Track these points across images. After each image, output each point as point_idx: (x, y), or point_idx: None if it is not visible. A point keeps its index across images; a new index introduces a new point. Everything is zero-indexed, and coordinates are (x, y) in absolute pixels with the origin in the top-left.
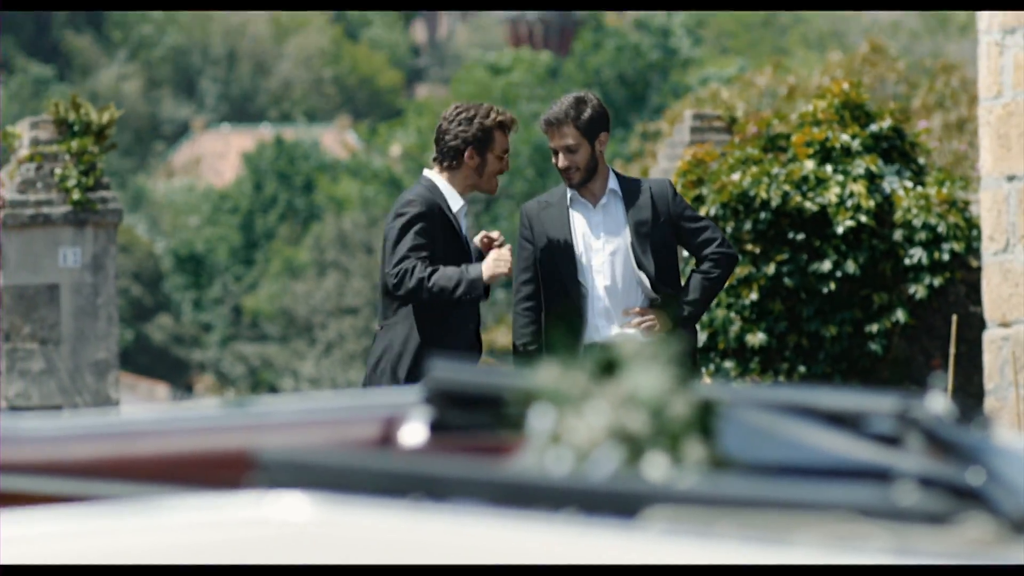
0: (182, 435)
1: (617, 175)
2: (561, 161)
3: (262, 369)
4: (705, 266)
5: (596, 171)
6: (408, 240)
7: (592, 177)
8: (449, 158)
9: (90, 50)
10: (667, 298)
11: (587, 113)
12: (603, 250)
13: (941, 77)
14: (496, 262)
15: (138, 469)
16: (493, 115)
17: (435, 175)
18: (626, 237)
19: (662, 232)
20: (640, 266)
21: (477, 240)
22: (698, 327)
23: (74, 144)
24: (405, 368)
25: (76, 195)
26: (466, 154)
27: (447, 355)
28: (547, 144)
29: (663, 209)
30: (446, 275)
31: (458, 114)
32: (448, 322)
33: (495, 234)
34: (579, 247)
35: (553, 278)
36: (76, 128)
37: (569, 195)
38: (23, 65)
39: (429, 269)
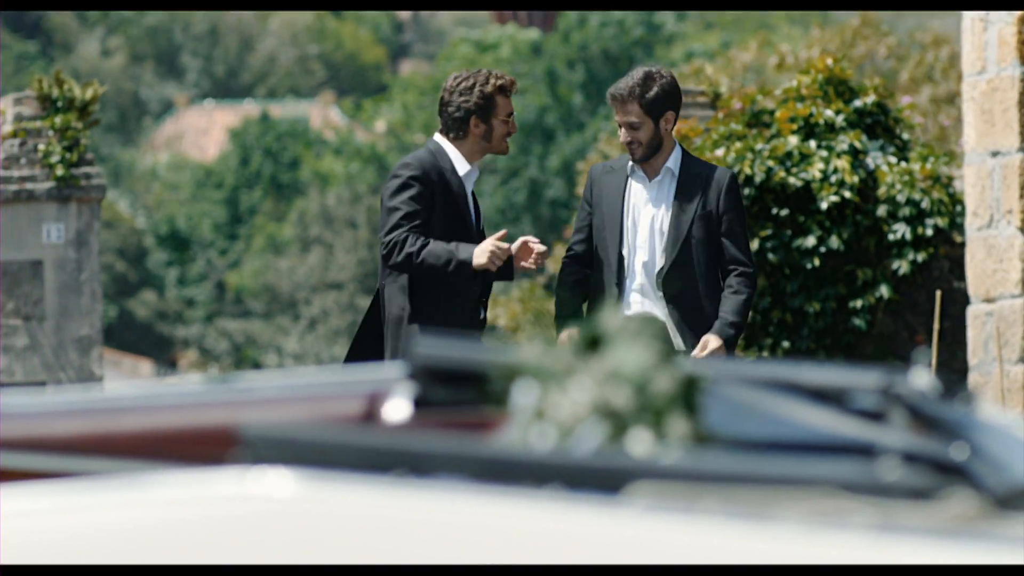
0: (166, 411)
1: (685, 154)
2: (623, 135)
3: (246, 345)
4: (735, 284)
5: (660, 148)
6: (401, 206)
7: (655, 154)
8: (455, 129)
9: (71, 26)
10: (673, 284)
11: (653, 91)
12: (648, 227)
13: (931, 51)
14: (488, 253)
15: (122, 445)
16: (492, 80)
17: (443, 140)
18: (665, 219)
19: (702, 224)
20: (666, 251)
21: (516, 245)
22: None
23: (58, 120)
24: (406, 325)
25: (60, 171)
26: (471, 123)
27: (443, 319)
28: (530, 119)
29: (712, 202)
30: (435, 252)
31: (458, 84)
32: (442, 287)
33: (538, 246)
34: (628, 220)
35: (600, 244)
36: (60, 104)
37: (630, 165)
38: (6, 41)
39: (420, 242)
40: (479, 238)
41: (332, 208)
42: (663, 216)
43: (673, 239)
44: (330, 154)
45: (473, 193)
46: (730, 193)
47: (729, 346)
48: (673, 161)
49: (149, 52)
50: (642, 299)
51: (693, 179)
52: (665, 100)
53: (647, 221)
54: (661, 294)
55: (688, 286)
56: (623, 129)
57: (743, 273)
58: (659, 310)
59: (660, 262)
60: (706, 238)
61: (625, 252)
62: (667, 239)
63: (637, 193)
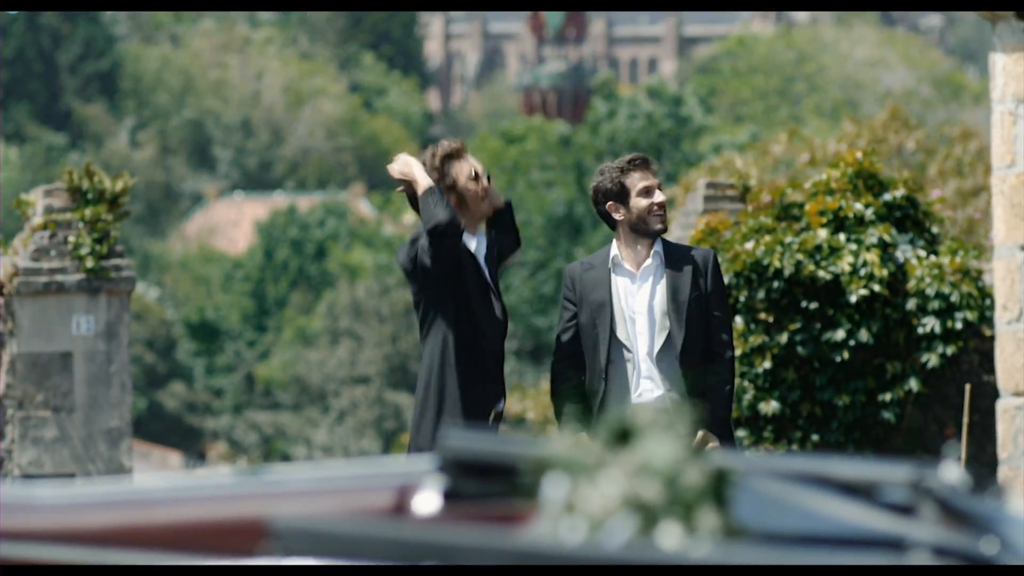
0: (196, 503)
1: (663, 240)
2: (661, 197)
3: (275, 437)
4: (721, 373)
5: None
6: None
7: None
8: None
9: (102, 118)
10: (693, 374)
11: None
12: (644, 314)
13: (959, 144)
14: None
15: (152, 537)
16: (438, 152)
17: None
18: (664, 304)
19: (698, 304)
20: (672, 336)
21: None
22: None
23: (87, 212)
24: (451, 379)
25: (89, 263)
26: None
27: (470, 382)
28: (558, 212)
29: (702, 282)
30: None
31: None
32: (466, 351)
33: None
34: (621, 310)
35: (595, 340)
36: (90, 196)
37: (611, 258)
38: (36, 133)
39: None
40: (499, 297)
41: (361, 300)
42: (660, 302)
43: (676, 322)
44: (359, 246)
45: (491, 247)
46: (716, 273)
47: (724, 439)
48: (658, 246)
49: (181, 144)
50: (652, 387)
51: (679, 261)
52: None
53: (644, 309)
54: (670, 378)
55: (694, 364)
56: (659, 192)
57: (730, 359)
58: (671, 394)
59: (663, 347)
60: (700, 317)
61: (627, 342)
62: (671, 323)
63: (625, 285)
